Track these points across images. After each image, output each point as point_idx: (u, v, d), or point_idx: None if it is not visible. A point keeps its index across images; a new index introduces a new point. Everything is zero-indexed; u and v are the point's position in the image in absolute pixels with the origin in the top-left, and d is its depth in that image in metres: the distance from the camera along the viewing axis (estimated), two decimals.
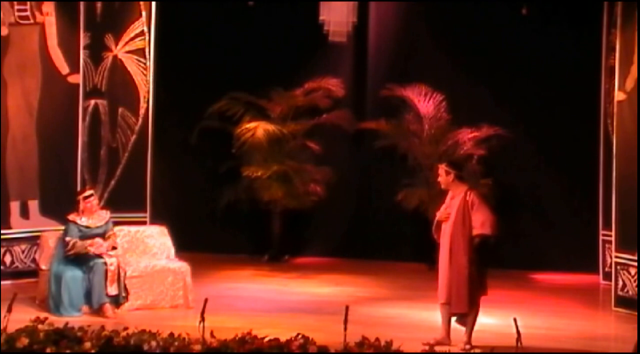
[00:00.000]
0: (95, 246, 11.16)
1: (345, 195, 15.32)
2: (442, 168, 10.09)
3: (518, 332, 8.41)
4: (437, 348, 9.05)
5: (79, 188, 12.89)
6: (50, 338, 8.55)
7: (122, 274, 11.18)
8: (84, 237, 11.25)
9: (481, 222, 9.80)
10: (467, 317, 9.93)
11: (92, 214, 11.40)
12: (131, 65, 13.99)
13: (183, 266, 11.77)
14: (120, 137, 14.04)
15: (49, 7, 12.90)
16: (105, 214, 11.54)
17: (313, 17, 14.53)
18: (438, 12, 14.82)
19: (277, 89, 15.07)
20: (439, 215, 10.04)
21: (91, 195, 11.56)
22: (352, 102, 15.39)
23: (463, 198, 9.88)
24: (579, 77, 14.33)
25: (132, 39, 13.97)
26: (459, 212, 9.87)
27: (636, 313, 11.16)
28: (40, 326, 8.70)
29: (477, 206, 9.84)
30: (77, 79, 13.25)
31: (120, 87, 13.96)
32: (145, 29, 14.05)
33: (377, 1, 15.23)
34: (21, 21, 12.75)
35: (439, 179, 10.09)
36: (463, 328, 9.91)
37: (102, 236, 11.37)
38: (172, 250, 12.17)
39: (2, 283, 12.06)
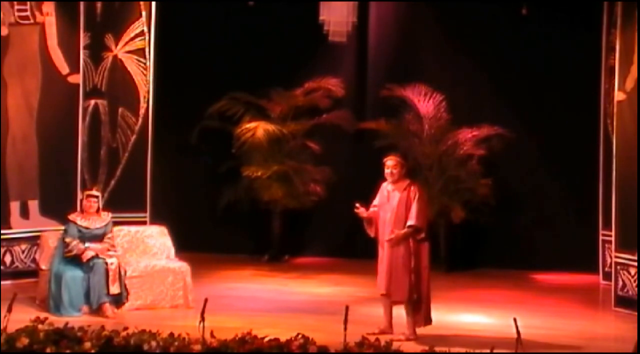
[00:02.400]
0: (86, 255, 11.12)
1: (345, 195, 15.29)
2: (396, 162, 10.26)
3: (518, 332, 8.41)
4: (437, 348, 9.03)
5: (78, 188, 12.92)
6: (50, 338, 8.57)
7: (122, 273, 11.19)
8: (83, 237, 11.25)
9: (415, 214, 10.04)
10: (407, 307, 10.15)
11: (91, 215, 11.40)
12: (131, 65, 14.00)
13: (183, 266, 11.78)
14: (120, 137, 14.04)
15: (49, 7, 12.90)
16: (107, 216, 11.54)
17: (313, 17, 14.52)
18: (438, 12, 14.82)
19: (277, 89, 15.07)
20: (367, 213, 10.29)
21: (96, 196, 11.55)
22: (352, 102, 15.39)
23: (406, 191, 10.11)
24: (579, 77, 14.33)
25: (132, 39, 13.98)
26: (400, 204, 10.10)
27: (636, 313, 11.17)
28: (40, 326, 8.71)
29: (417, 199, 10.07)
30: (77, 79, 13.25)
31: (120, 87, 13.97)
32: (145, 29, 14.06)
33: (377, 1, 15.23)
34: (21, 21, 12.75)
35: (394, 171, 10.24)
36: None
37: (101, 237, 11.37)
38: (172, 250, 12.17)
39: (2, 283, 12.06)
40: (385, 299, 10.30)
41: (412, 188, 10.15)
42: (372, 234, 10.42)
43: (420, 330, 10.23)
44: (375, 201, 10.38)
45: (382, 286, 10.23)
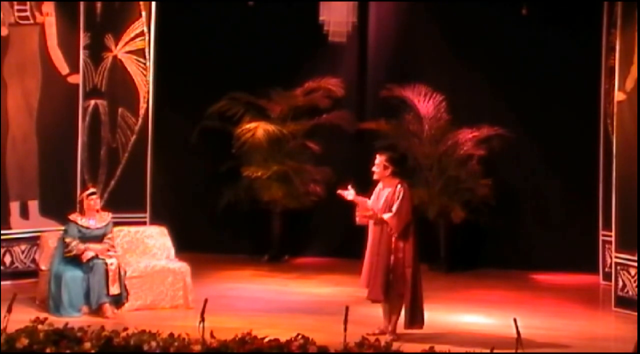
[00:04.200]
0: (86, 255, 11.13)
1: None
2: (381, 161, 10.31)
3: (518, 332, 8.41)
4: (437, 348, 9.04)
5: (78, 188, 12.92)
6: (50, 338, 8.57)
7: (122, 273, 11.20)
8: (83, 238, 11.26)
9: (392, 213, 10.10)
10: (392, 308, 10.19)
11: (94, 213, 11.41)
12: (131, 65, 14.00)
13: (183, 266, 11.78)
14: (120, 137, 14.04)
15: (49, 7, 12.90)
16: (107, 216, 11.54)
17: (313, 17, 14.53)
18: (438, 12, 14.81)
19: (277, 89, 15.07)
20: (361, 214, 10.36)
21: (94, 193, 11.61)
22: (352, 102, 15.38)
23: (392, 191, 10.20)
24: (579, 77, 14.33)
25: (132, 39, 13.98)
26: (386, 203, 10.17)
27: (636, 313, 11.17)
28: (40, 327, 8.71)
29: (399, 199, 10.15)
30: (77, 79, 13.25)
31: (120, 87, 13.97)
32: (145, 29, 14.05)
33: (377, 1, 15.23)
34: (21, 21, 12.75)
35: (376, 169, 10.32)
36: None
37: (102, 237, 11.38)
38: (172, 250, 12.17)
39: (2, 283, 12.07)
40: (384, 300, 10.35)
41: (397, 188, 10.21)
42: (356, 220, 10.45)
43: (421, 329, 10.24)
44: (370, 199, 10.45)
45: (362, 281, 10.32)
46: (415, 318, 10.19)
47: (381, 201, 10.24)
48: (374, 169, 10.34)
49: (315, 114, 15.15)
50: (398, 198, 10.15)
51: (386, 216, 10.10)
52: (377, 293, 10.18)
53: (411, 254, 10.15)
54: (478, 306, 12.01)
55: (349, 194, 10.35)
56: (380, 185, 10.36)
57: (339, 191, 10.41)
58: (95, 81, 13.78)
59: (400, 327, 10.24)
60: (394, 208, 10.11)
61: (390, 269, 10.12)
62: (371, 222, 10.28)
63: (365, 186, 10.54)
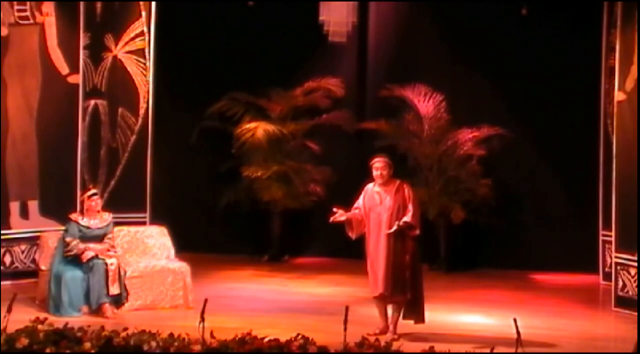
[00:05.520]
0: (86, 255, 11.11)
1: (345, 195, 15.27)
2: (384, 163, 10.29)
3: (518, 332, 8.42)
4: (437, 348, 9.04)
5: (78, 188, 12.92)
6: (50, 339, 8.58)
7: (122, 273, 11.20)
8: (84, 237, 11.26)
9: (412, 213, 10.11)
10: (395, 307, 10.22)
11: (95, 214, 11.40)
12: (131, 65, 14.00)
13: (183, 266, 11.77)
14: (120, 137, 14.04)
15: (48, 8, 12.91)
16: (108, 216, 11.54)
17: (313, 17, 14.52)
18: (438, 12, 14.81)
19: (277, 89, 15.07)
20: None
21: (95, 194, 11.61)
22: (352, 102, 15.38)
23: (400, 192, 10.19)
24: (579, 77, 14.32)
25: (132, 39, 13.98)
26: (396, 205, 10.16)
27: (636, 313, 11.17)
28: (40, 327, 8.72)
29: (412, 200, 10.17)
30: (77, 79, 13.25)
31: (120, 87, 13.97)
32: (145, 29, 14.06)
33: (377, 1, 15.23)
34: (21, 21, 12.75)
35: (383, 172, 10.26)
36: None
37: (102, 237, 11.38)
38: (172, 250, 12.17)
39: (2, 283, 12.07)
40: (380, 300, 10.30)
41: (405, 188, 10.21)
42: (352, 236, 10.43)
43: (421, 329, 10.24)
44: (359, 203, 10.37)
45: (380, 286, 10.19)
46: (419, 314, 10.21)
47: (387, 203, 10.17)
48: (380, 173, 10.23)
49: (315, 114, 15.16)
50: (410, 198, 10.15)
51: (407, 218, 10.07)
52: (401, 294, 10.15)
53: (419, 253, 10.18)
54: (478, 306, 12.01)
55: (340, 215, 10.30)
56: (376, 188, 10.30)
57: (332, 218, 10.33)
58: (95, 81, 13.79)
59: (400, 327, 10.24)
60: (410, 208, 10.10)
61: (406, 267, 10.10)
62: (378, 228, 10.20)
63: (364, 187, 10.55)
